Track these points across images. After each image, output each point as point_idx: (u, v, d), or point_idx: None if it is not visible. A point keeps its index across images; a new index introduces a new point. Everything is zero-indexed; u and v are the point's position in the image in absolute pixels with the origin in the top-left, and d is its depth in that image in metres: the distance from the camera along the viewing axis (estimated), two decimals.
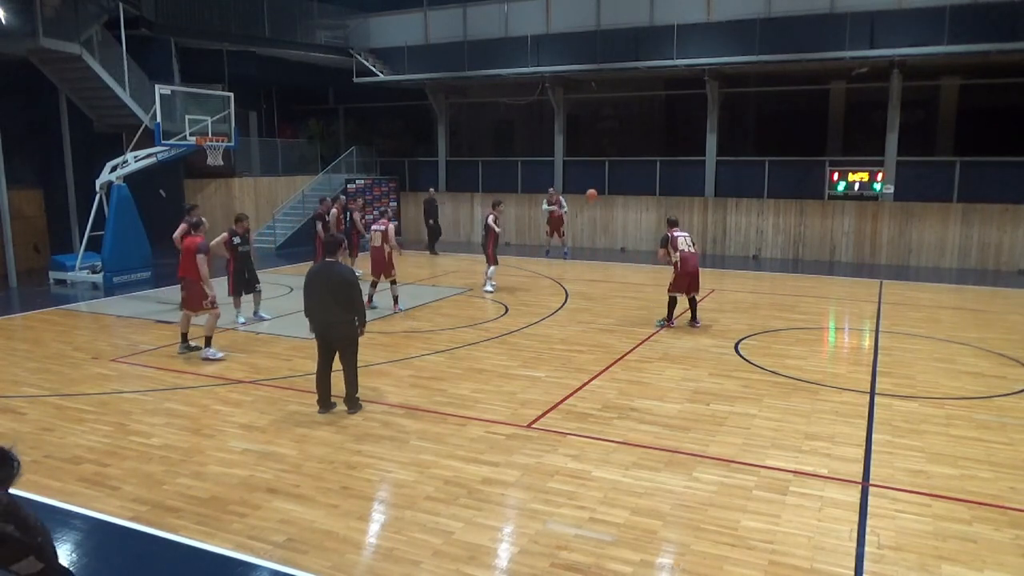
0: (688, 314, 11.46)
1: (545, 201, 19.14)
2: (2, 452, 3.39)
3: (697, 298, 11.47)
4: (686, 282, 11.11)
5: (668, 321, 11.22)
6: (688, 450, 6.46)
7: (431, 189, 21.91)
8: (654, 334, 10.79)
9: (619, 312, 12.41)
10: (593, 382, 8.47)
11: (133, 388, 8.19)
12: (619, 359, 9.44)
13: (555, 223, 18.89)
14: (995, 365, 9.36)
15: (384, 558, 4.72)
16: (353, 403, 7.38)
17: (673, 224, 11.46)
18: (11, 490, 2.81)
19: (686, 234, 11.38)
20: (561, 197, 19.21)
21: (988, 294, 14.70)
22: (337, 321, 7.16)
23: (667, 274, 11.57)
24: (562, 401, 7.77)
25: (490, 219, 14.05)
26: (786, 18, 18.34)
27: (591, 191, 17.67)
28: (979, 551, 4.81)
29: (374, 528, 5.21)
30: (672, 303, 11.25)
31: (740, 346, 10.14)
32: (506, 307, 12.69)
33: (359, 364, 7.57)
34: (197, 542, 4.92)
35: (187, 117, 15.44)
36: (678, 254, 11.01)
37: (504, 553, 4.86)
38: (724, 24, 19.06)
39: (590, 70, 20.66)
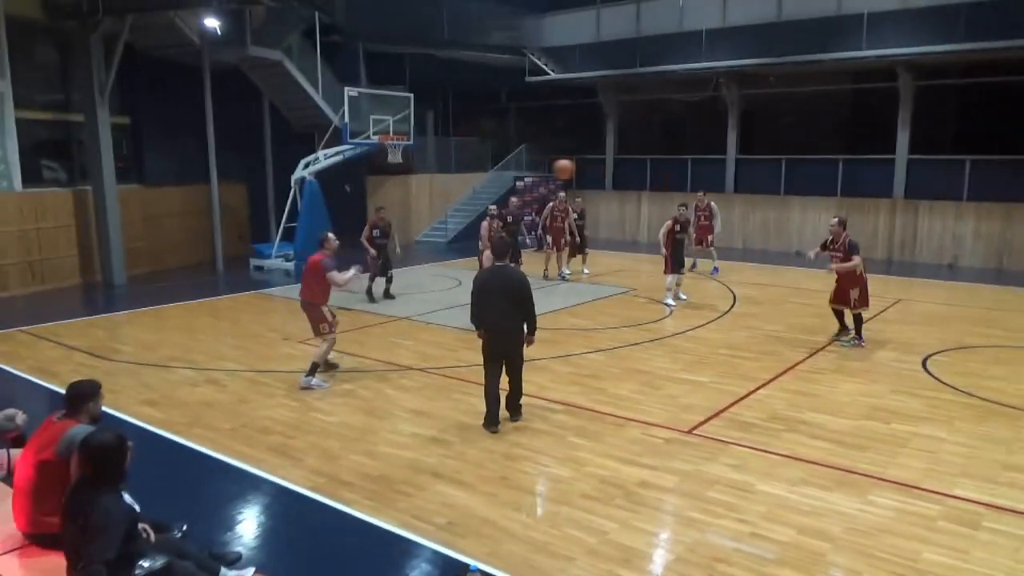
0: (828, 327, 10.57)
1: (694, 205, 15.83)
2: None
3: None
4: (868, 292, 10.15)
5: (859, 339, 10.08)
6: (863, 471, 6.02)
7: (513, 199, 17.80)
8: (828, 344, 10.14)
9: (791, 319, 11.79)
10: (760, 391, 8.10)
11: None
12: (789, 368, 8.97)
13: (701, 231, 15.78)
14: None
15: (539, 551, 4.80)
16: (518, 411, 7.15)
17: (844, 225, 10.20)
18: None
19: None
20: (712, 204, 16.04)
21: None
22: (515, 328, 6.88)
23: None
24: (726, 409, 7.51)
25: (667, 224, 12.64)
26: (995, 2, 16.47)
27: (563, 163, 14.45)
28: None
29: (530, 520, 5.31)
30: (859, 320, 10.16)
31: (928, 362, 9.28)
32: (670, 309, 12.43)
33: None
34: (366, 515, 5.26)
35: (371, 117, 16.51)
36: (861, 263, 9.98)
37: (659, 559, 4.79)
38: (922, 10, 17.46)
39: (769, 64, 19.70)
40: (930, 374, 8.79)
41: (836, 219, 10.25)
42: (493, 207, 13.65)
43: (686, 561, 4.68)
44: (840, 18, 18.47)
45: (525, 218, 15.65)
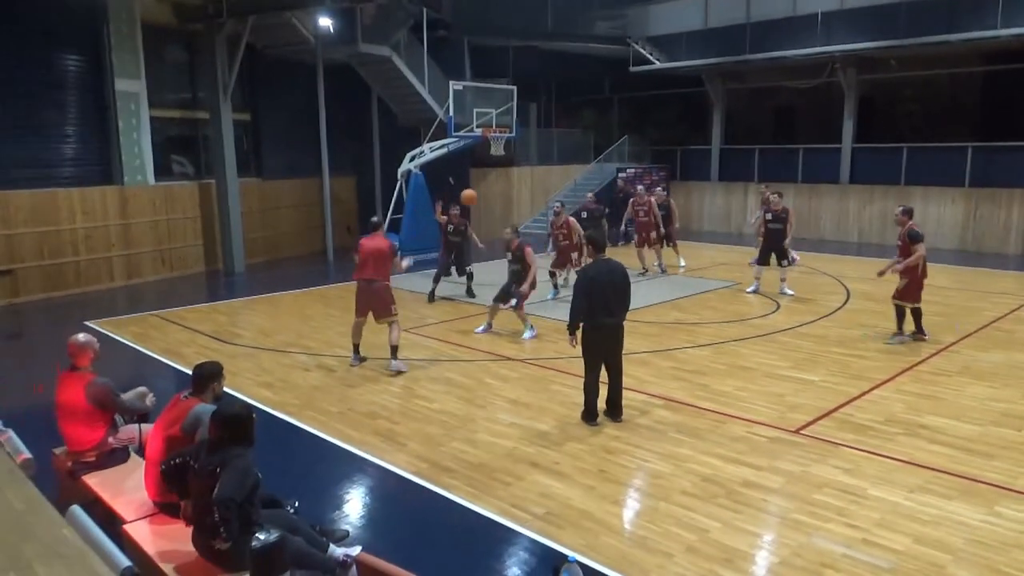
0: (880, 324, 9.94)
1: (761, 204, 14.29)
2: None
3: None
4: (922, 288, 9.43)
5: (921, 333, 9.50)
6: (990, 480, 5.62)
7: (589, 195, 16.53)
8: (953, 344, 9.50)
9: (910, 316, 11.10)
10: (875, 391, 7.70)
11: (419, 356, 9.11)
12: (908, 369, 8.47)
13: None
14: None
15: (637, 545, 4.76)
16: (620, 411, 6.94)
17: (910, 215, 9.44)
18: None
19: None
20: (777, 198, 12.81)
21: None
22: (621, 323, 6.74)
23: (983, 278, 10.08)
24: (837, 409, 7.18)
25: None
26: None
27: (468, 192, 14.31)
28: None
29: (628, 514, 5.27)
30: (917, 314, 9.50)
31: None
32: (777, 304, 11.99)
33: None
34: (466, 501, 5.37)
35: (475, 110, 16.73)
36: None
37: (763, 561, 4.65)
38: None
39: (892, 47, 18.55)
40: None
41: (900, 208, 9.59)
42: (557, 204, 13.29)
43: (791, 565, 4.52)
44: None
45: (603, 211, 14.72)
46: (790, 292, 12.46)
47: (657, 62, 22.58)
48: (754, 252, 13.18)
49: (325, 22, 15.96)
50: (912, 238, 9.22)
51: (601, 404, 6.90)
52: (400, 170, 17.08)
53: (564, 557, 4.41)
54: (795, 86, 22.26)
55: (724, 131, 23.62)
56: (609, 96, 26.67)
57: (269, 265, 16.86)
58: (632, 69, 22.98)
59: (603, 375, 6.85)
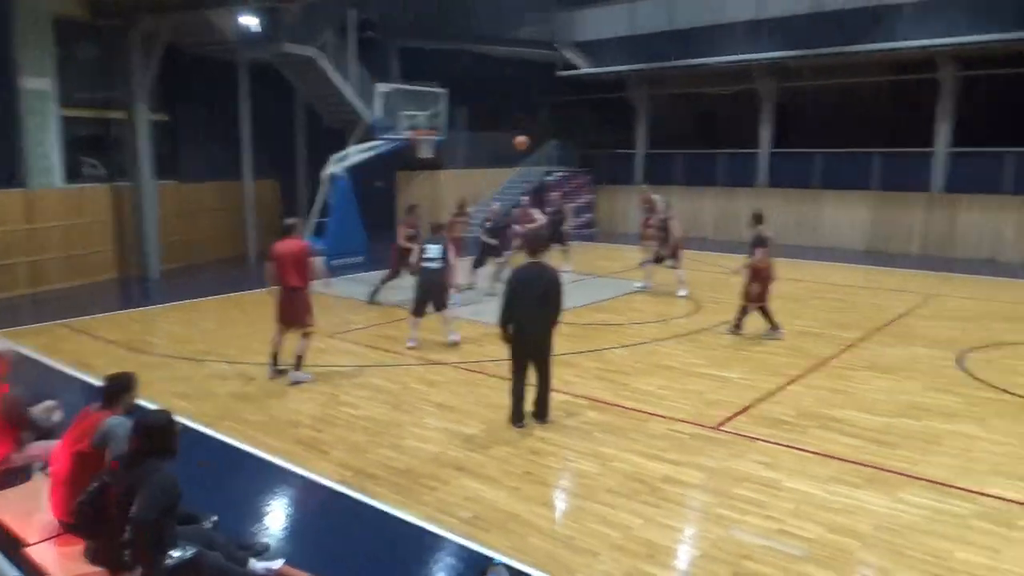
0: (733, 322, 10.32)
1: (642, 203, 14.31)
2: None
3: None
4: (764, 290, 9.90)
5: (776, 330, 9.91)
6: (895, 468, 5.92)
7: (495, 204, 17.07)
8: (860, 340, 9.97)
9: (821, 315, 11.61)
10: (790, 387, 8.00)
11: (344, 362, 8.97)
12: (819, 365, 8.84)
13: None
14: None
15: (563, 545, 4.81)
16: (546, 414, 6.89)
17: (760, 221, 10.00)
18: None
19: (772, 235, 10.03)
20: (658, 199, 13.52)
21: None
22: (547, 331, 6.64)
23: (888, 276, 10.62)
24: (753, 404, 7.43)
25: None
26: None
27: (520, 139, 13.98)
28: None
29: (555, 515, 5.31)
30: (766, 313, 9.97)
31: (964, 359, 9.08)
32: (698, 304, 12.33)
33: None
34: (392, 508, 5.31)
35: (403, 113, 16.60)
36: (767, 258, 9.73)
37: (684, 555, 4.77)
38: None
39: (805, 56, 19.37)
40: (965, 371, 8.60)
41: (752, 213, 10.26)
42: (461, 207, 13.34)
43: (712, 558, 4.65)
44: (879, 8, 18.10)
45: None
46: (683, 294, 12.90)
47: (584, 67, 22.91)
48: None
49: (247, 21, 15.55)
50: (753, 243, 9.80)
51: (530, 406, 6.93)
52: (324, 173, 16.80)
53: (490, 560, 4.42)
54: (716, 92, 22.94)
55: (648, 136, 24.15)
56: (538, 100, 26.89)
57: (187, 271, 16.30)
58: (559, 74, 23.25)
59: (533, 377, 6.87)
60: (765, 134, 21.39)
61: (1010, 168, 17.79)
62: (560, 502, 5.51)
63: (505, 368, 7.98)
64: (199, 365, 8.97)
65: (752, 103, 21.65)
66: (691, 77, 22.61)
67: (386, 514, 5.26)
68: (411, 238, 11.88)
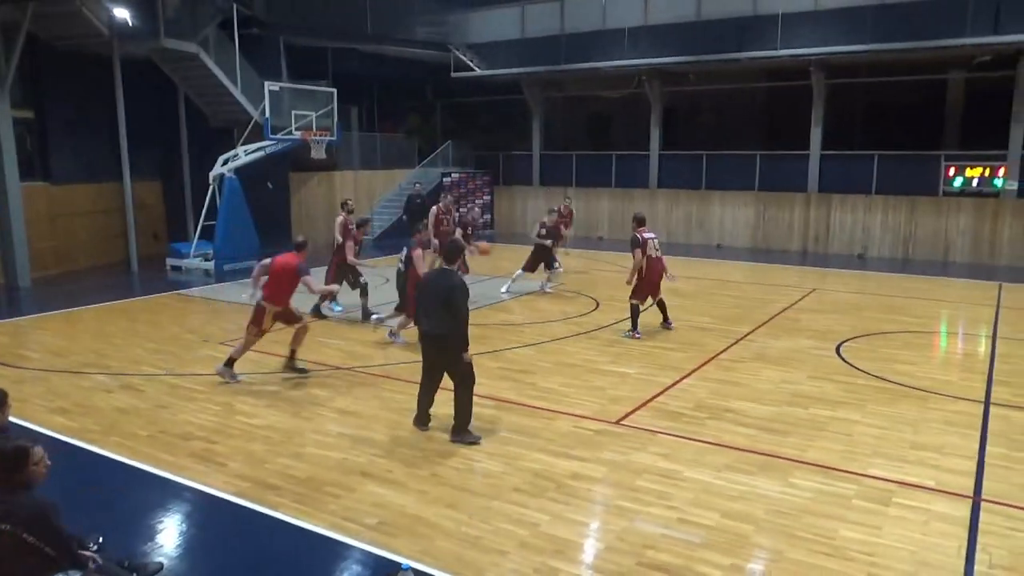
0: (642, 317, 10.59)
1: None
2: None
3: (664, 300, 10.62)
4: (648, 290, 10.29)
5: (634, 331, 10.21)
6: (785, 455, 6.24)
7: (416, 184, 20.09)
8: (749, 334, 10.48)
9: (713, 310, 12.12)
10: (685, 381, 8.31)
11: (239, 370, 8.60)
12: (712, 358, 9.22)
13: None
14: None
15: (471, 546, 4.79)
16: (461, 433, 6.47)
17: (641, 223, 10.38)
18: None
19: (654, 235, 10.38)
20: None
21: None
22: (446, 334, 6.39)
23: (773, 273, 11.19)
24: (652, 399, 7.67)
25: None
26: (902, 3, 17.36)
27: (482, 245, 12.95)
28: None
29: (462, 516, 5.29)
30: (635, 311, 10.28)
31: (842, 349, 9.71)
32: (597, 302, 12.61)
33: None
34: (294, 519, 5.14)
35: (293, 112, 16.12)
36: (644, 259, 10.08)
37: (590, 549, 4.85)
38: (833, 12, 18.24)
39: (689, 62, 20.20)
40: (844, 360, 9.19)
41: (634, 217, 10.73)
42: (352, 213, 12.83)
43: (616, 549, 4.75)
44: (756, 18, 19.10)
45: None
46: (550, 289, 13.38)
47: (478, 69, 22.99)
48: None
49: (121, 13, 14.67)
50: (631, 244, 10.22)
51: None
52: (212, 174, 16.10)
53: (398, 566, 4.35)
54: (608, 96, 23.56)
55: (544, 137, 24.51)
56: (432, 101, 26.79)
57: (62, 278, 15.23)
58: (454, 75, 23.23)
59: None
60: (655, 136, 22.14)
61: (876, 170, 19.15)
62: (467, 503, 5.49)
63: (406, 372, 7.95)
64: (79, 378, 8.39)
65: (642, 106, 22.38)
66: (584, 80, 23.14)
67: (289, 525, 5.08)
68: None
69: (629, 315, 10.35)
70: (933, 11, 16.99)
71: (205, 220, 16.29)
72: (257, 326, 8.20)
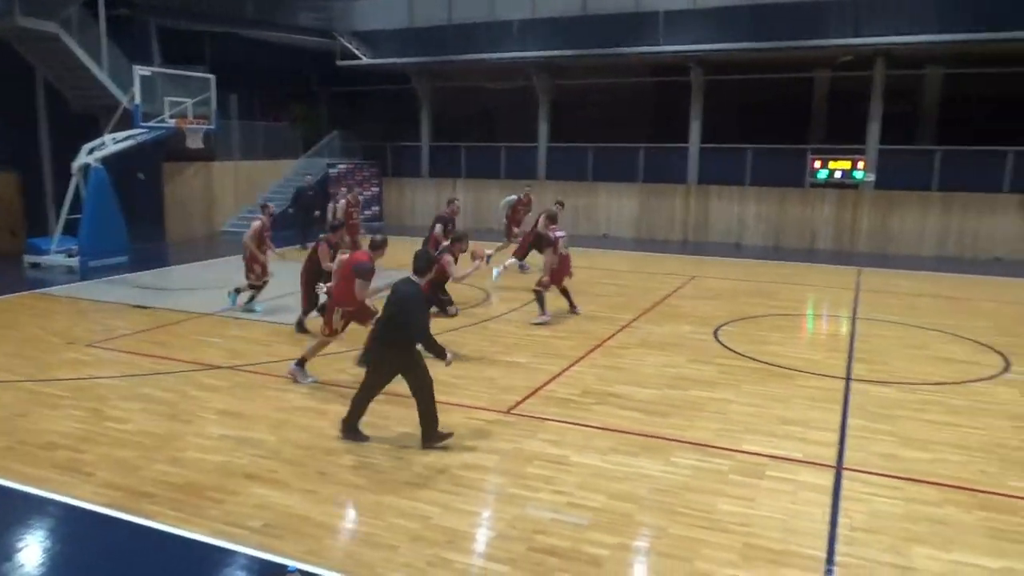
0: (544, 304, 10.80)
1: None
2: None
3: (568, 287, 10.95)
4: (555, 283, 10.59)
5: (543, 313, 10.45)
6: (666, 435, 6.50)
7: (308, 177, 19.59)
8: (633, 321, 10.83)
9: (600, 299, 12.43)
10: (573, 368, 8.49)
11: (109, 373, 8.12)
12: (599, 345, 9.47)
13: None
14: (969, 351, 9.50)
15: (362, 543, 4.73)
16: (429, 437, 6.16)
17: (552, 220, 10.68)
18: None
19: (564, 234, 10.61)
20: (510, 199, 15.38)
21: (965, 282, 14.87)
22: (392, 342, 6.13)
23: (656, 262, 11.58)
24: (542, 387, 7.80)
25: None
26: (772, 5, 18.35)
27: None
28: (948, 533, 4.89)
29: (352, 513, 5.21)
30: (540, 297, 10.49)
31: (719, 333, 10.20)
32: (487, 293, 12.68)
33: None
34: (173, 527, 4.89)
35: (167, 99, 15.26)
36: (556, 257, 10.37)
37: (482, 537, 4.89)
38: (710, 11, 19.06)
39: (574, 56, 20.58)
40: (721, 343, 9.66)
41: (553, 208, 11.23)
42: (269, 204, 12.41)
43: (507, 536, 4.81)
44: (639, 15, 19.69)
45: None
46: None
47: (363, 58, 22.55)
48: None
49: None
50: (542, 243, 10.64)
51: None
52: (76, 164, 15.02)
53: (284, 568, 4.23)
54: (496, 88, 23.66)
55: (432, 128, 24.35)
56: (317, 89, 26.05)
57: None
58: (340, 63, 22.69)
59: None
60: (543, 129, 22.45)
61: (750, 163, 20.19)
62: (357, 500, 5.41)
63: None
64: None
65: (530, 99, 22.62)
66: (473, 72, 23.13)
67: (167, 534, 4.83)
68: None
69: (535, 301, 10.54)
70: (800, 13, 18.06)
71: (69, 214, 15.18)
72: (328, 327, 7.81)
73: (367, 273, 7.42)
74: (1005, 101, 19.19)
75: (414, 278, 6.28)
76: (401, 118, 25.15)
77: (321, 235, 10.12)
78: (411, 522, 4.97)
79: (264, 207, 11.59)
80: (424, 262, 6.37)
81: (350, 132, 24.52)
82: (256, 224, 10.92)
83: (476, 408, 7.14)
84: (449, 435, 6.23)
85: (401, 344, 6.12)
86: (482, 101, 25.71)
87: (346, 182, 21.92)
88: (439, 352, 6.43)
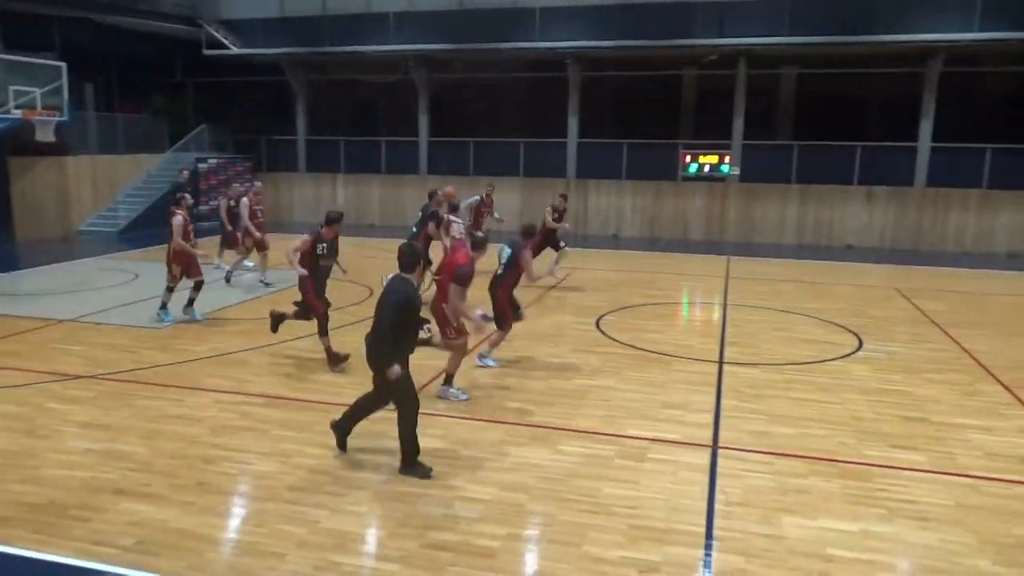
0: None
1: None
2: None
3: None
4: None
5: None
6: (553, 424, 6.62)
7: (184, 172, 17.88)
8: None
9: (483, 292, 12.46)
10: (466, 360, 8.46)
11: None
12: (485, 339, 9.49)
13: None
14: (828, 332, 10.24)
15: (245, 553, 4.54)
16: (410, 467, 5.60)
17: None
18: None
19: (459, 221, 10.43)
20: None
21: (822, 267, 16.03)
22: (370, 343, 5.61)
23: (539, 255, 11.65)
24: (431, 382, 7.74)
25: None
26: (644, 5, 19.02)
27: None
28: (813, 501, 5.26)
29: (234, 523, 4.99)
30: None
31: (601, 322, 10.50)
32: (371, 290, 12.47)
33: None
34: (33, 552, 4.52)
35: (11, 88, 14.03)
36: (449, 239, 10.11)
37: (371, 538, 4.81)
38: (585, 8, 19.52)
39: (452, 50, 20.55)
40: (602, 332, 9.95)
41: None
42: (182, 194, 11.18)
43: (398, 535, 4.75)
44: (516, 10, 19.89)
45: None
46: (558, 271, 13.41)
47: (233, 47, 21.58)
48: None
49: None
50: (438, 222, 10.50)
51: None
52: None
53: None
54: (374, 81, 23.26)
55: (309, 122, 23.66)
56: (182, 80, 24.71)
57: None
58: (206, 52, 21.60)
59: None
60: (423, 123, 22.29)
61: (626, 157, 20.88)
62: (239, 508, 5.19)
63: (166, 375, 7.32)
64: None
65: (410, 92, 22.39)
66: (350, 64, 22.63)
67: (25, 559, 4.45)
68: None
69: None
70: (669, 13, 18.83)
71: None
72: (449, 329, 7.26)
73: (464, 278, 6.96)
74: (853, 99, 20.84)
75: (405, 276, 5.72)
76: (275, 111, 24.28)
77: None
78: (297, 527, 4.82)
79: (181, 199, 10.46)
80: (411, 257, 5.77)
81: (220, 125, 23.41)
82: (178, 220, 9.93)
83: None
84: (429, 471, 5.56)
85: (375, 343, 5.60)
86: (361, 94, 25.22)
87: (218, 177, 20.98)
88: (386, 356, 5.54)
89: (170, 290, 10.10)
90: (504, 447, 6.12)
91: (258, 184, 13.06)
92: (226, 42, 21.50)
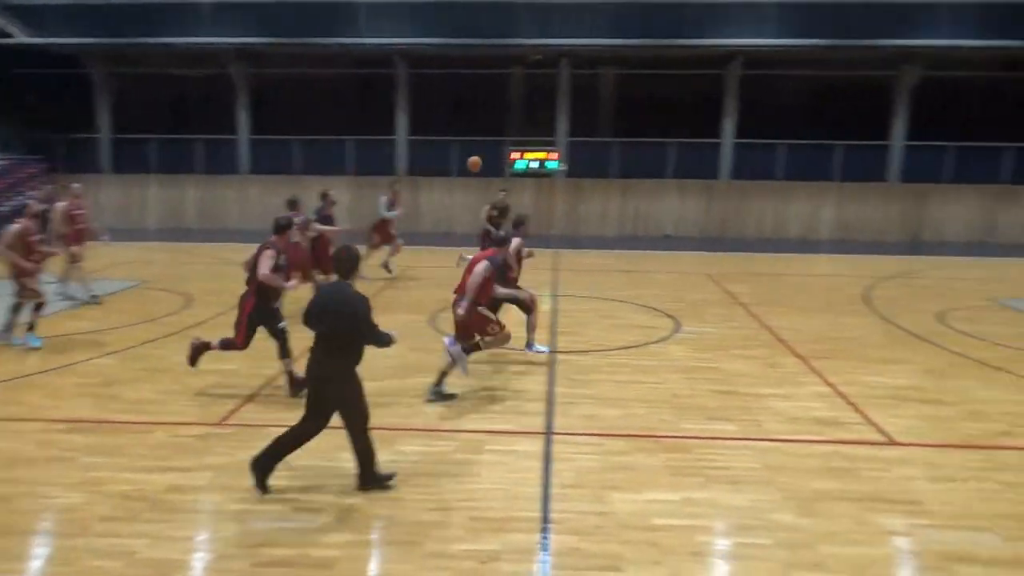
0: None
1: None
2: None
3: None
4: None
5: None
6: (391, 425, 6.54)
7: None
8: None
9: (309, 294, 12.09)
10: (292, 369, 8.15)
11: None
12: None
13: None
14: (648, 317, 10.90)
15: None
16: (370, 480, 5.34)
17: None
18: None
19: (303, 218, 10.45)
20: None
21: (642, 256, 17.04)
22: (328, 372, 5.26)
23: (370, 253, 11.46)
24: (258, 392, 7.40)
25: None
26: (469, 4, 19.22)
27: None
28: (639, 476, 5.58)
29: (36, 565, 4.50)
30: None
31: (436, 319, 10.52)
32: (187, 299, 11.71)
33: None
34: None
35: None
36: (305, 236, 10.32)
37: (198, 563, 4.52)
38: (413, 5, 19.41)
39: (271, 44, 19.71)
40: (437, 330, 9.98)
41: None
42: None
43: (229, 556, 4.50)
44: (340, 4, 19.40)
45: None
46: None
47: (19, 36, 19.39)
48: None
49: None
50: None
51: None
52: None
53: None
54: (189, 75, 21.81)
55: (114, 119, 21.78)
56: None
57: None
58: None
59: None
60: (242, 120, 21.22)
61: (457, 154, 21.03)
62: (43, 548, 4.68)
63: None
64: None
65: (227, 88, 21.22)
66: (159, 57, 21.07)
67: None
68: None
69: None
70: (494, 13, 19.18)
71: None
72: (489, 326, 7.43)
73: (496, 268, 7.39)
74: (666, 99, 22.28)
75: (346, 281, 5.53)
76: (74, 107, 22.10)
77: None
78: (112, 561, 4.42)
79: (27, 207, 9.30)
80: (350, 262, 5.54)
81: (6, 122, 20.97)
82: (14, 228, 8.77)
83: (184, 424, 6.56)
84: (391, 476, 5.44)
85: (345, 369, 5.38)
86: (173, 89, 23.55)
87: (4, 180, 18.85)
88: (381, 343, 5.64)
89: (32, 303, 9.03)
90: (337, 452, 5.93)
91: (76, 186, 11.68)
92: (9, 29, 19.28)
